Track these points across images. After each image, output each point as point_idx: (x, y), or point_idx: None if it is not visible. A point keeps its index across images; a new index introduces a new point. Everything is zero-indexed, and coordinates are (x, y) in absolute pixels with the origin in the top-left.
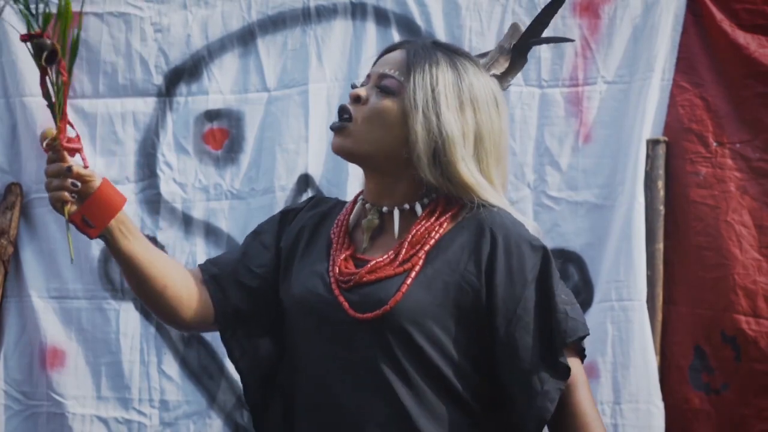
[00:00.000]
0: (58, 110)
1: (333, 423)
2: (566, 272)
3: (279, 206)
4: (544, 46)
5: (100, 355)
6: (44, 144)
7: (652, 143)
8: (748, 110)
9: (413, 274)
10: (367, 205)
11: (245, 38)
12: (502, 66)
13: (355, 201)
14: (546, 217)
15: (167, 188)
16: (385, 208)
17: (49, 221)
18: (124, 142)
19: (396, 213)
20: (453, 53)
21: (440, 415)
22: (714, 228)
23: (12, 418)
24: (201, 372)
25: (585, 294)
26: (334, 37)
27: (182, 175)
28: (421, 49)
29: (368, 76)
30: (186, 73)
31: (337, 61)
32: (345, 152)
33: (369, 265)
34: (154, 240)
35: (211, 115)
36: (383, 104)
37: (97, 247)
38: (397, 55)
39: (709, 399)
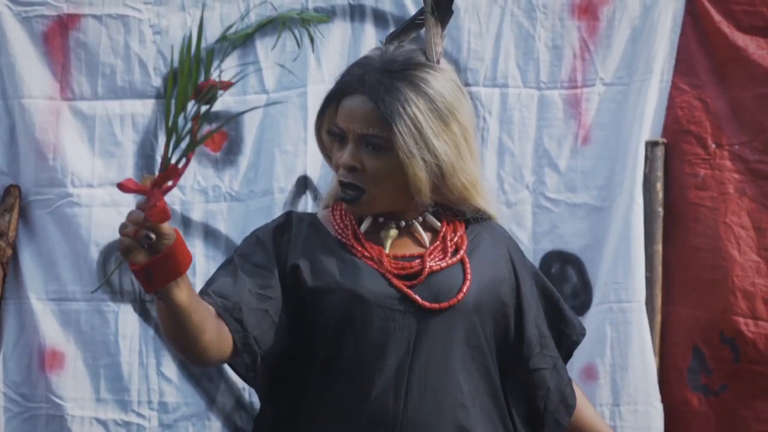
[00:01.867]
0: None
1: (373, 420)
2: (565, 274)
3: (278, 208)
4: (542, 48)
5: (99, 357)
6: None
7: (651, 145)
8: (746, 112)
9: (468, 266)
10: (380, 219)
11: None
12: (439, 34)
13: (348, 211)
14: (545, 219)
15: None
16: (403, 223)
17: (48, 223)
18: (123, 143)
19: (417, 225)
20: (406, 72)
21: (486, 408)
22: (713, 230)
23: (11, 420)
24: (200, 374)
25: (584, 296)
26: (333, 39)
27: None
28: (382, 91)
29: (339, 128)
30: None
31: (336, 62)
32: (360, 214)
33: (429, 257)
34: None
35: (209, 117)
36: (382, 164)
37: (95, 249)
38: (363, 108)
39: (708, 400)
